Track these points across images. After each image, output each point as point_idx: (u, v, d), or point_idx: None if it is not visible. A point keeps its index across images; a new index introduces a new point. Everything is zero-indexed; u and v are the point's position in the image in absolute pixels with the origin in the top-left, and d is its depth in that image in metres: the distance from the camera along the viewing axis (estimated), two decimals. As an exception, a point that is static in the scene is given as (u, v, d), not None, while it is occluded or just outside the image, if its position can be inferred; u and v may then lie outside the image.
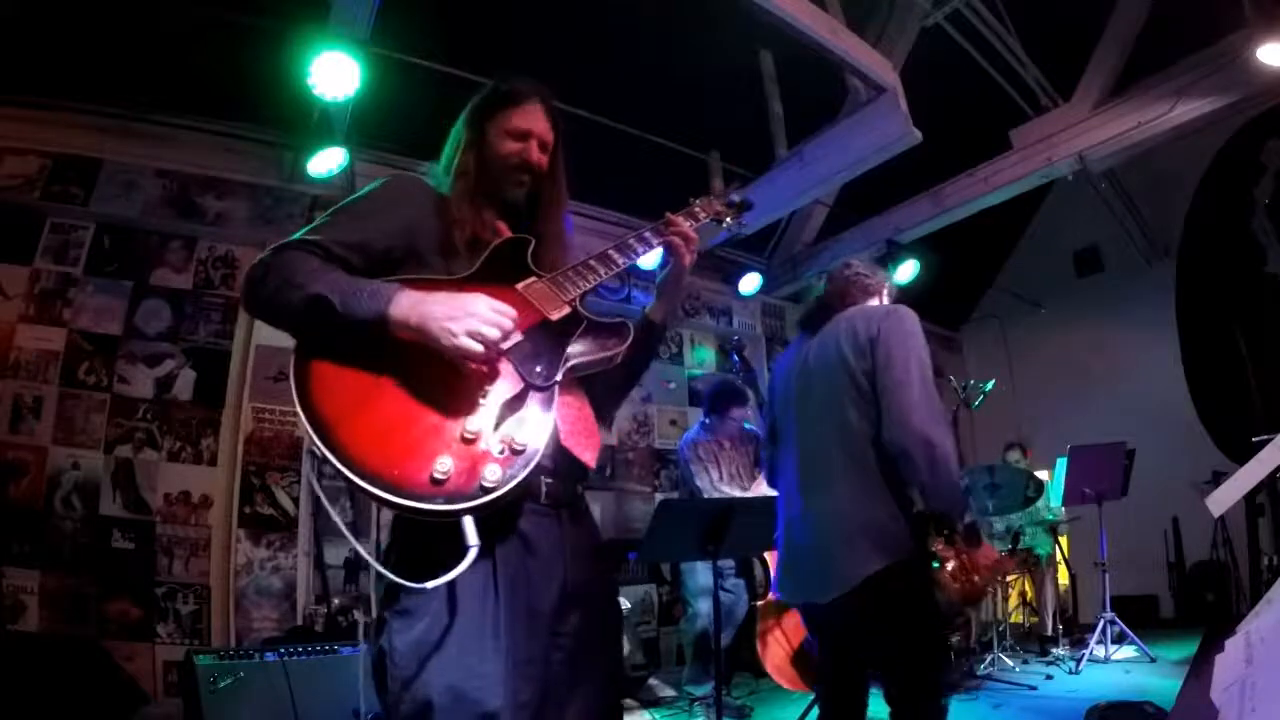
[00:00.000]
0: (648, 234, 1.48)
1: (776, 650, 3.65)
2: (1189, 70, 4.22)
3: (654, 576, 5.45)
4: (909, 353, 1.89)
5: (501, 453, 1.14)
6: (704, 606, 3.92)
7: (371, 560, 1.21)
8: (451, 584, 1.13)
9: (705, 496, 3.91)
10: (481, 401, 1.17)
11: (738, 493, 3.99)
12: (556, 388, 1.24)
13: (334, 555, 4.05)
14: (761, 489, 3.96)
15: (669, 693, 4.22)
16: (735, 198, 1.76)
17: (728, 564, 4.05)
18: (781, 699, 3.91)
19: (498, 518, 1.19)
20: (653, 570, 5.43)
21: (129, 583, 3.66)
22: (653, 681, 4.30)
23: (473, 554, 1.09)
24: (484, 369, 1.18)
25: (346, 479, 1.06)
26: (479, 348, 1.14)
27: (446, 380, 1.16)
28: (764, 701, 4.06)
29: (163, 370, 3.96)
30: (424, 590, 1.12)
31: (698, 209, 1.64)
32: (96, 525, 3.66)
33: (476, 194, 1.38)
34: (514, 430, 1.16)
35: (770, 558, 3.79)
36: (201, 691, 2.72)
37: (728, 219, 1.73)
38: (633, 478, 5.64)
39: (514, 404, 1.19)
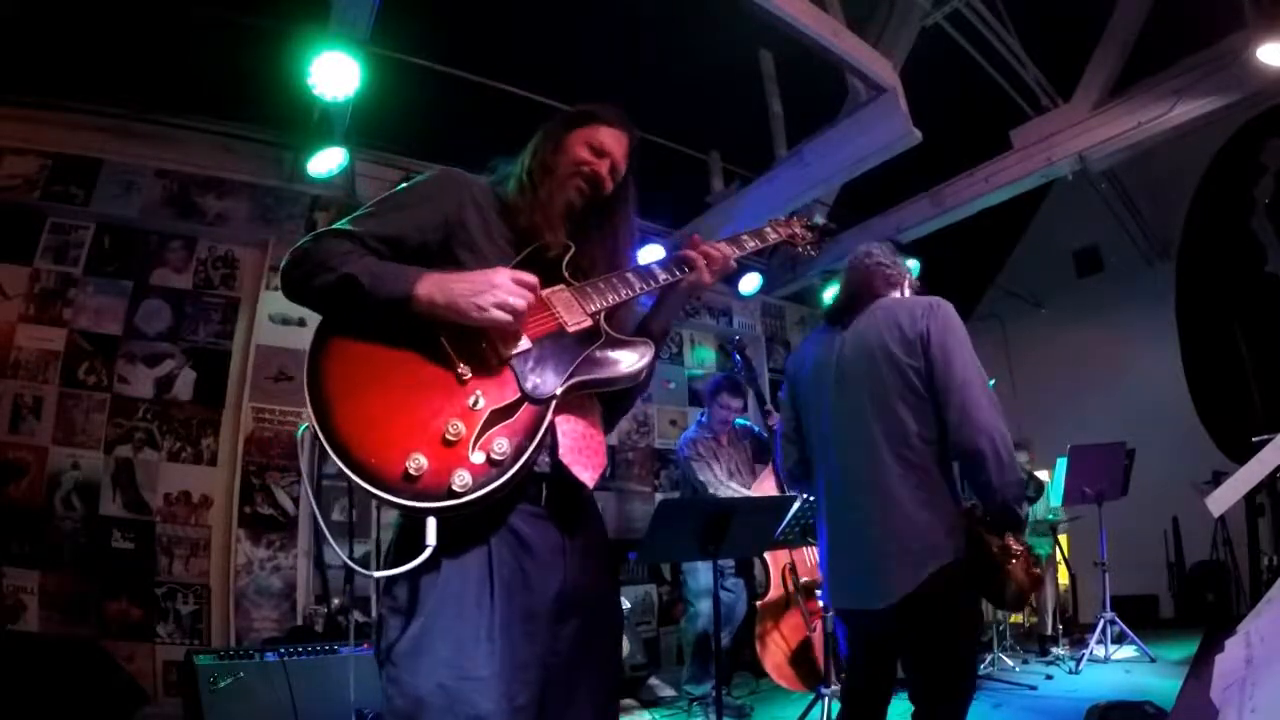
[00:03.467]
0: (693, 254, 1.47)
1: (776, 650, 3.65)
2: (1189, 70, 4.21)
3: (654, 576, 5.45)
4: (964, 348, 1.86)
5: (479, 460, 1.13)
6: (705, 606, 3.90)
7: (331, 539, 1.22)
8: (448, 584, 1.14)
9: (710, 492, 3.89)
10: (472, 405, 1.17)
11: (741, 489, 3.99)
12: (554, 402, 1.22)
13: (334, 555, 4.05)
14: (765, 486, 3.96)
15: (669, 693, 4.22)
16: (819, 220, 1.73)
17: (728, 563, 4.04)
18: (781, 699, 3.91)
19: (491, 517, 1.19)
20: (653, 570, 5.42)
21: (129, 583, 3.66)
22: (653, 681, 4.30)
23: (426, 554, 1.10)
24: (487, 369, 1.19)
25: (332, 459, 1.08)
26: (508, 318, 1.18)
27: (444, 379, 1.17)
28: (764, 701, 4.06)
29: (163, 370, 3.95)
30: (416, 586, 1.15)
31: (768, 229, 1.62)
32: (96, 525, 3.66)
33: (540, 188, 1.40)
34: (497, 440, 1.15)
35: (770, 557, 3.79)
36: (201, 691, 2.73)
37: (803, 245, 1.68)
38: (633, 478, 5.64)
39: (505, 413, 1.18)
